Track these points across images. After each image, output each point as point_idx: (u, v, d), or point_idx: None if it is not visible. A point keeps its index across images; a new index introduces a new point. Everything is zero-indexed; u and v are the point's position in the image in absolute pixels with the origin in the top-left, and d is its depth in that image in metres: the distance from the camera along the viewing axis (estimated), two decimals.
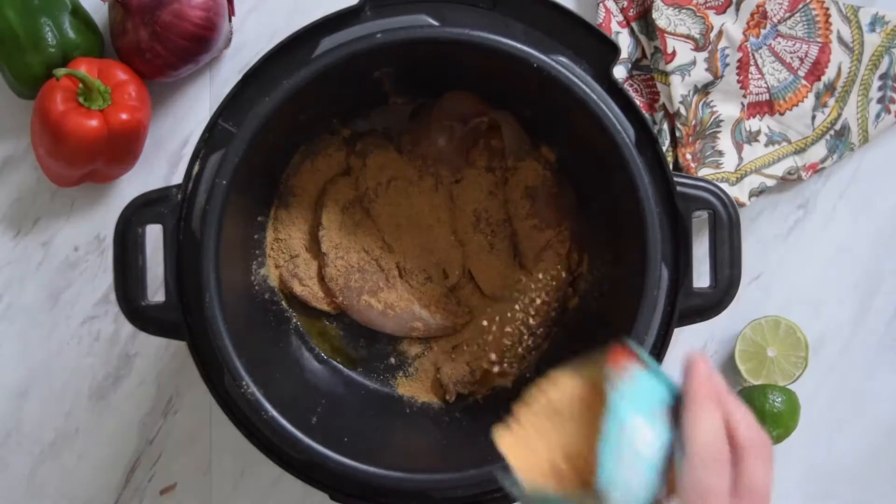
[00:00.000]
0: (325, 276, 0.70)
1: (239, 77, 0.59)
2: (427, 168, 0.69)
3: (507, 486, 0.47)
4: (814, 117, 0.75)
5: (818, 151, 0.76)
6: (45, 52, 0.69)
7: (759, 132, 0.75)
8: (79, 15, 0.71)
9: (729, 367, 0.76)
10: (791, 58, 0.75)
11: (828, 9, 0.75)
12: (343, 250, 0.69)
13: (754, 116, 0.75)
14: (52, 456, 0.75)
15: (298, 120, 0.65)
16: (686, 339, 0.76)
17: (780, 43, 0.75)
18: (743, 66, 0.74)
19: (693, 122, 0.73)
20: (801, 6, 0.75)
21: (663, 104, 0.74)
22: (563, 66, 0.58)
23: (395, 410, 0.69)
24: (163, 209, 0.59)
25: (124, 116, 0.69)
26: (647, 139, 0.59)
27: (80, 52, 0.70)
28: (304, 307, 0.71)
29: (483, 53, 0.58)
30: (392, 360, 0.71)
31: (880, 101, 0.75)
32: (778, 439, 0.73)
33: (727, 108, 0.74)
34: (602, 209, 0.68)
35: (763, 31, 0.75)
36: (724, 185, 0.73)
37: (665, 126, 0.74)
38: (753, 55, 0.74)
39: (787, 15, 0.75)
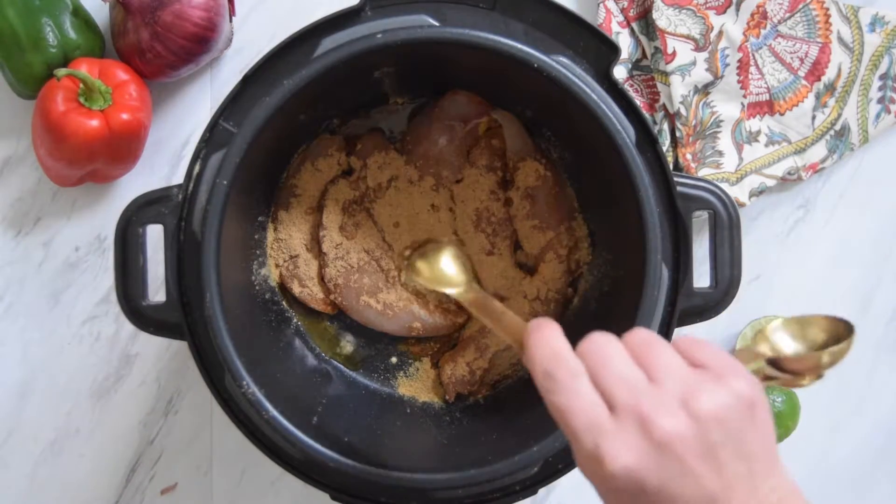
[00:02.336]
0: (324, 277, 0.70)
1: (239, 77, 0.59)
2: (427, 168, 0.69)
3: None
4: (814, 117, 0.75)
5: (818, 151, 0.76)
6: (45, 52, 0.69)
7: (759, 132, 0.75)
8: (79, 15, 0.71)
9: None
10: (791, 58, 0.75)
11: (828, 9, 0.75)
12: (343, 250, 0.70)
13: (754, 116, 0.75)
14: (52, 456, 0.75)
15: (299, 120, 0.65)
16: None
17: (780, 43, 0.75)
18: (743, 67, 0.74)
19: (693, 123, 0.73)
20: (801, 6, 0.75)
21: (663, 104, 0.74)
22: (564, 66, 0.58)
23: (395, 410, 0.69)
24: (163, 209, 0.59)
25: (125, 116, 0.69)
26: (647, 139, 0.59)
27: (80, 53, 0.71)
28: (304, 307, 0.71)
29: (483, 53, 0.58)
30: (393, 359, 0.71)
31: (880, 101, 0.75)
32: (778, 439, 0.73)
33: (727, 108, 0.74)
34: (602, 209, 0.68)
35: (763, 32, 0.75)
36: (724, 186, 0.73)
37: (665, 126, 0.74)
38: (753, 55, 0.75)
39: (788, 15, 0.75)
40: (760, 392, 0.42)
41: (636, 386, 0.41)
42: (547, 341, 0.43)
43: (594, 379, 0.42)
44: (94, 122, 0.68)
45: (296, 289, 0.70)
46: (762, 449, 0.41)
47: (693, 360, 0.43)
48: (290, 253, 0.70)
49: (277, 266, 0.70)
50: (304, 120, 0.66)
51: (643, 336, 0.43)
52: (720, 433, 0.40)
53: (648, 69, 0.75)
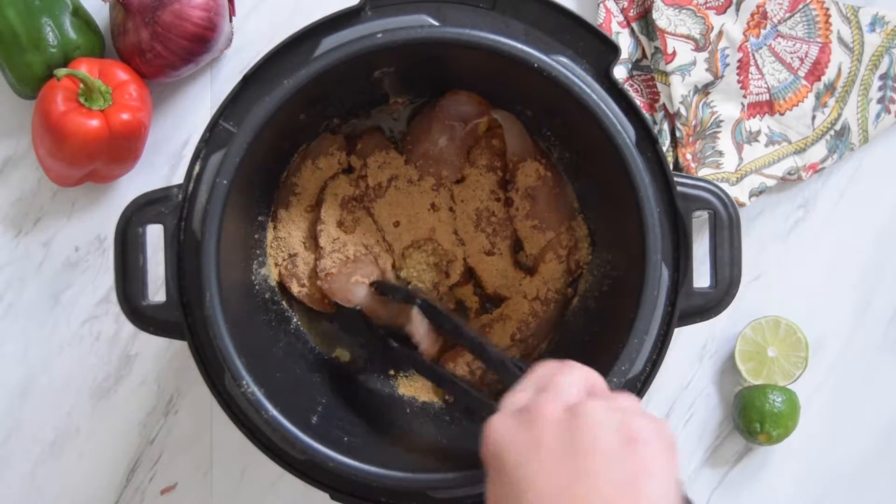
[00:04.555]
0: (318, 267, 0.69)
1: (239, 77, 0.59)
2: (428, 168, 0.69)
3: None
4: (814, 117, 0.75)
5: (818, 151, 0.76)
6: (45, 52, 0.69)
7: (759, 132, 0.75)
8: (80, 15, 0.71)
9: (729, 367, 0.76)
10: (791, 58, 0.75)
11: (828, 9, 0.75)
12: (340, 244, 0.69)
13: (754, 116, 0.75)
14: (52, 456, 0.75)
15: (299, 119, 0.65)
16: (686, 339, 0.76)
17: (780, 43, 0.75)
18: (743, 67, 0.74)
19: (693, 123, 0.73)
20: (801, 6, 0.75)
21: (663, 104, 0.74)
22: (564, 66, 0.58)
23: (395, 410, 0.69)
24: (163, 209, 0.59)
25: (125, 116, 0.69)
26: (647, 139, 0.59)
27: (80, 53, 0.71)
28: (304, 307, 0.71)
29: (483, 53, 0.58)
30: (393, 360, 0.71)
31: (880, 101, 0.75)
32: (778, 439, 0.73)
33: (727, 108, 0.74)
34: (602, 209, 0.68)
35: (763, 32, 0.75)
36: (724, 185, 0.73)
37: (665, 126, 0.74)
38: (753, 55, 0.75)
39: (788, 15, 0.75)
40: (653, 436, 0.42)
41: (555, 392, 0.45)
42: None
43: (541, 389, 0.47)
44: (94, 122, 0.68)
45: (295, 288, 0.70)
46: (629, 483, 0.41)
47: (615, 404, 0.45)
48: (289, 251, 0.70)
49: (277, 265, 0.70)
50: (304, 119, 0.66)
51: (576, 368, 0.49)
52: (592, 439, 0.42)
53: (648, 69, 0.75)
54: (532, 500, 0.41)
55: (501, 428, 0.45)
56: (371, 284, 0.69)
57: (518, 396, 0.47)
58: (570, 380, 0.47)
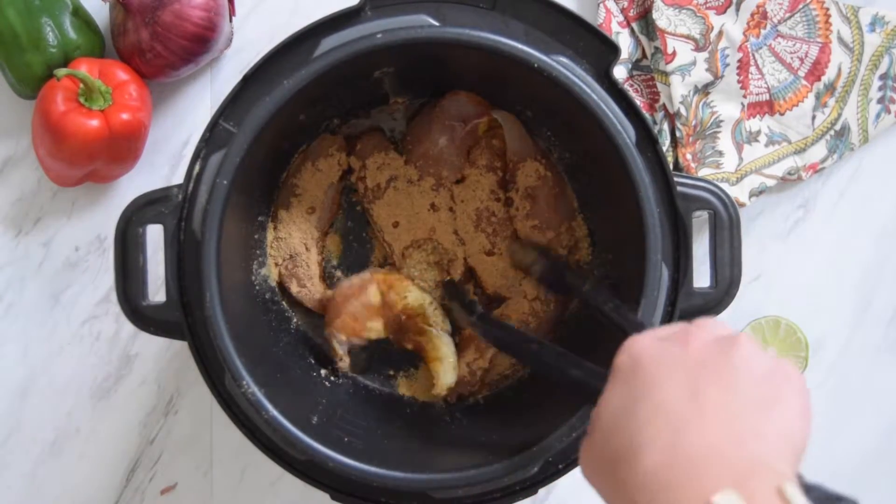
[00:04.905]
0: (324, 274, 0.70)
1: (239, 77, 0.59)
2: (428, 168, 0.69)
3: None
4: (814, 117, 0.75)
5: (818, 151, 0.76)
6: (45, 52, 0.69)
7: (759, 132, 0.75)
8: (79, 15, 0.71)
9: None
10: (791, 58, 0.75)
11: (828, 9, 0.75)
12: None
13: (754, 116, 0.75)
14: (52, 456, 0.75)
15: (299, 120, 0.65)
16: None
17: (780, 43, 0.75)
18: (743, 67, 0.74)
19: (693, 123, 0.73)
20: (801, 6, 0.75)
21: (663, 104, 0.74)
22: (564, 66, 0.58)
23: (395, 410, 0.69)
24: (163, 209, 0.59)
25: (125, 116, 0.69)
26: (647, 139, 0.59)
27: (80, 53, 0.71)
28: (304, 307, 0.71)
29: (483, 53, 0.58)
30: (393, 360, 0.71)
31: (880, 101, 0.75)
32: None
33: (727, 108, 0.74)
34: (602, 209, 0.68)
35: (763, 32, 0.75)
36: (724, 185, 0.73)
37: (665, 126, 0.74)
38: (753, 55, 0.75)
39: (788, 15, 0.75)
40: (800, 381, 0.42)
41: (706, 325, 0.44)
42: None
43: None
44: (94, 122, 0.68)
45: (294, 288, 0.70)
46: (766, 405, 0.40)
47: None
48: (289, 252, 0.70)
49: (277, 265, 0.70)
50: (304, 120, 0.66)
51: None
52: (743, 363, 0.41)
53: (648, 69, 0.75)
54: (661, 397, 0.40)
55: (649, 342, 0.43)
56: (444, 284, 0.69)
57: (662, 331, 0.45)
58: (717, 322, 0.45)
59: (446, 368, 0.68)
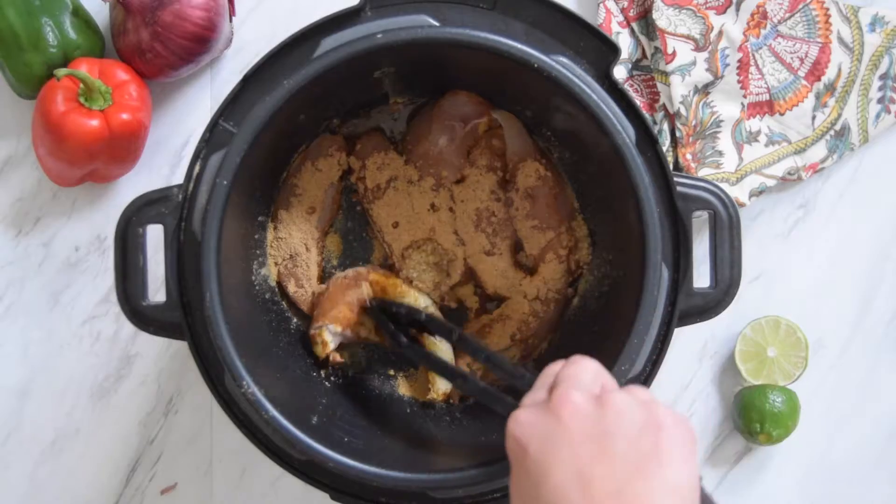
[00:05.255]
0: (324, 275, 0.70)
1: (239, 77, 0.59)
2: (427, 168, 0.69)
3: None
4: (814, 117, 0.75)
5: (818, 151, 0.76)
6: (45, 52, 0.69)
7: (759, 132, 0.75)
8: (79, 15, 0.71)
9: (729, 367, 0.76)
10: (791, 58, 0.75)
11: (828, 9, 0.75)
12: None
13: (754, 116, 0.75)
14: (52, 456, 0.75)
15: (299, 120, 0.65)
16: (686, 339, 0.76)
17: (780, 43, 0.75)
18: (743, 67, 0.74)
19: (693, 123, 0.73)
20: (801, 6, 0.75)
21: (663, 104, 0.74)
22: (564, 66, 0.58)
23: (395, 410, 0.69)
24: (164, 209, 0.59)
25: (125, 116, 0.69)
26: (647, 139, 0.59)
27: (80, 53, 0.71)
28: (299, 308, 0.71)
29: (483, 53, 0.58)
30: (393, 360, 0.71)
31: (880, 101, 0.75)
32: (778, 439, 0.73)
33: (727, 108, 0.74)
34: (602, 209, 0.68)
35: (763, 32, 0.75)
36: (724, 186, 0.73)
37: (665, 126, 0.74)
38: (754, 55, 0.75)
39: (788, 15, 0.75)
40: (676, 426, 0.44)
41: (572, 383, 0.46)
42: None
43: (555, 384, 0.48)
44: (94, 122, 0.68)
45: (291, 287, 0.70)
46: (644, 465, 0.42)
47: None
48: (289, 252, 0.70)
49: (277, 265, 0.70)
50: (304, 120, 0.66)
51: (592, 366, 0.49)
52: (617, 424, 0.43)
53: (648, 69, 0.75)
54: (554, 486, 0.42)
55: (525, 419, 0.46)
56: (368, 305, 0.68)
57: (535, 394, 0.48)
58: (582, 369, 0.47)
59: None
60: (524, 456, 0.44)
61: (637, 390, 0.46)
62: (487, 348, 0.61)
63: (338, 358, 0.68)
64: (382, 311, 0.67)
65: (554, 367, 0.50)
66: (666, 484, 0.41)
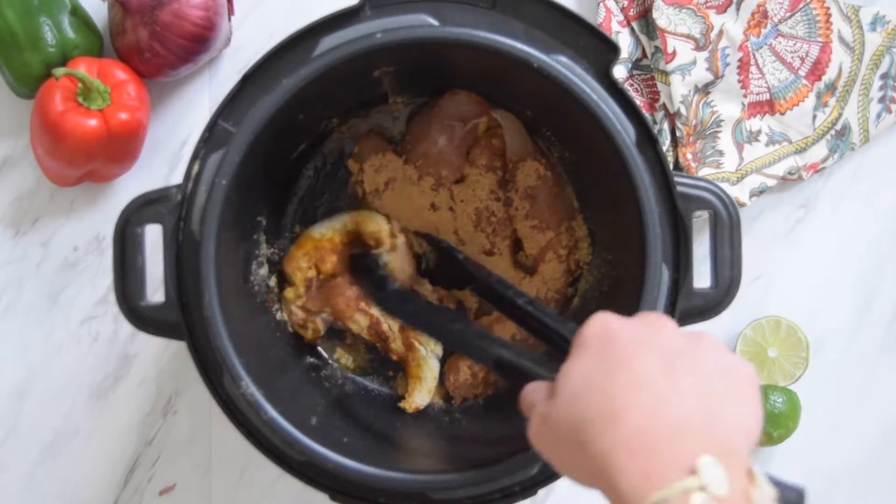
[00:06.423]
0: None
1: (238, 77, 0.59)
2: (427, 168, 0.69)
3: None
4: (814, 117, 0.75)
5: (819, 151, 0.75)
6: (44, 51, 0.69)
7: (759, 132, 0.75)
8: (78, 14, 0.71)
9: None
10: (792, 57, 0.75)
11: (828, 8, 0.75)
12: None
13: (755, 116, 0.75)
14: (50, 456, 0.75)
15: (298, 119, 0.65)
16: None
17: (780, 42, 0.75)
18: (743, 66, 0.74)
19: (693, 122, 0.73)
20: (801, 6, 0.75)
21: (664, 104, 0.74)
22: (564, 65, 0.58)
23: (395, 411, 0.69)
24: (162, 209, 0.58)
25: (124, 116, 0.69)
26: (647, 139, 0.59)
27: (79, 52, 0.70)
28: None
29: (483, 53, 0.57)
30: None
31: (881, 100, 0.75)
32: (779, 439, 0.72)
33: (728, 107, 0.74)
34: (602, 209, 0.68)
35: (764, 31, 0.75)
36: (724, 185, 0.73)
37: (665, 126, 0.74)
38: (754, 55, 0.74)
39: (788, 14, 0.75)
40: (753, 377, 0.44)
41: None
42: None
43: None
44: (93, 122, 0.68)
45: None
46: (742, 410, 0.42)
47: None
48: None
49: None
50: (304, 119, 0.65)
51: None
52: (710, 355, 0.43)
53: (648, 68, 0.75)
54: (642, 368, 0.42)
55: (616, 320, 0.46)
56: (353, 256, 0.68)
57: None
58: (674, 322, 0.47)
59: (421, 390, 0.68)
60: (610, 342, 0.44)
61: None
62: (527, 296, 0.59)
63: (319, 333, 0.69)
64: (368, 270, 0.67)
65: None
66: (741, 421, 0.42)
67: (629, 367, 0.42)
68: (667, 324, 0.45)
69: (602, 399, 0.42)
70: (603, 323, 0.46)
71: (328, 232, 0.68)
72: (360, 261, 0.68)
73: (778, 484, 0.43)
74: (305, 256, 0.67)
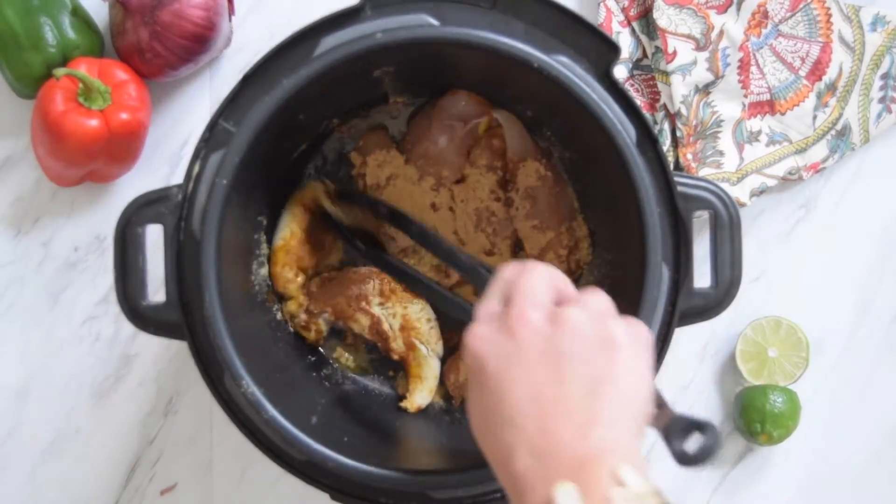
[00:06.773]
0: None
1: (239, 77, 0.59)
2: (427, 168, 0.69)
3: None
4: (815, 117, 0.75)
5: (819, 151, 0.75)
6: (44, 51, 0.69)
7: (759, 132, 0.75)
8: (79, 14, 0.71)
9: (730, 368, 0.76)
10: (792, 57, 0.75)
11: (829, 8, 0.75)
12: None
13: (755, 116, 0.75)
14: (52, 456, 0.75)
15: (299, 119, 0.65)
16: (687, 339, 0.75)
17: (781, 43, 0.75)
18: (744, 66, 0.74)
19: (694, 122, 0.73)
20: (802, 6, 0.75)
21: (664, 104, 0.74)
22: (564, 65, 0.58)
23: (395, 411, 0.69)
24: (163, 209, 0.59)
25: (124, 116, 0.69)
26: (647, 139, 0.59)
27: (79, 52, 0.70)
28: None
29: (483, 53, 0.58)
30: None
31: (881, 100, 0.75)
32: (779, 439, 0.72)
33: (728, 107, 0.74)
34: (603, 209, 0.68)
35: (764, 31, 0.75)
36: (724, 185, 0.73)
37: (666, 126, 0.74)
38: (754, 55, 0.74)
39: (789, 14, 0.75)
40: (628, 339, 0.45)
41: (528, 298, 0.46)
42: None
43: (509, 295, 0.47)
44: (94, 122, 0.68)
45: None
46: (595, 386, 0.43)
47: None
48: None
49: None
50: (304, 119, 0.65)
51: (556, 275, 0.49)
52: (570, 345, 0.44)
53: (649, 69, 0.75)
54: (511, 405, 0.43)
55: (481, 336, 0.46)
56: (334, 192, 0.69)
57: (490, 304, 0.48)
58: (536, 281, 0.47)
59: (422, 389, 0.68)
60: (482, 372, 0.45)
61: (591, 299, 0.47)
62: (449, 244, 0.63)
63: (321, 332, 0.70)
64: (345, 200, 0.69)
65: (507, 272, 0.49)
66: (617, 403, 0.43)
67: (500, 402, 0.44)
68: (527, 322, 0.45)
69: (495, 440, 0.44)
70: (470, 345, 0.46)
71: (286, 232, 0.68)
72: (326, 219, 0.69)
73: (690, 424, 0.44)
74: (285, 268, 0.68)
